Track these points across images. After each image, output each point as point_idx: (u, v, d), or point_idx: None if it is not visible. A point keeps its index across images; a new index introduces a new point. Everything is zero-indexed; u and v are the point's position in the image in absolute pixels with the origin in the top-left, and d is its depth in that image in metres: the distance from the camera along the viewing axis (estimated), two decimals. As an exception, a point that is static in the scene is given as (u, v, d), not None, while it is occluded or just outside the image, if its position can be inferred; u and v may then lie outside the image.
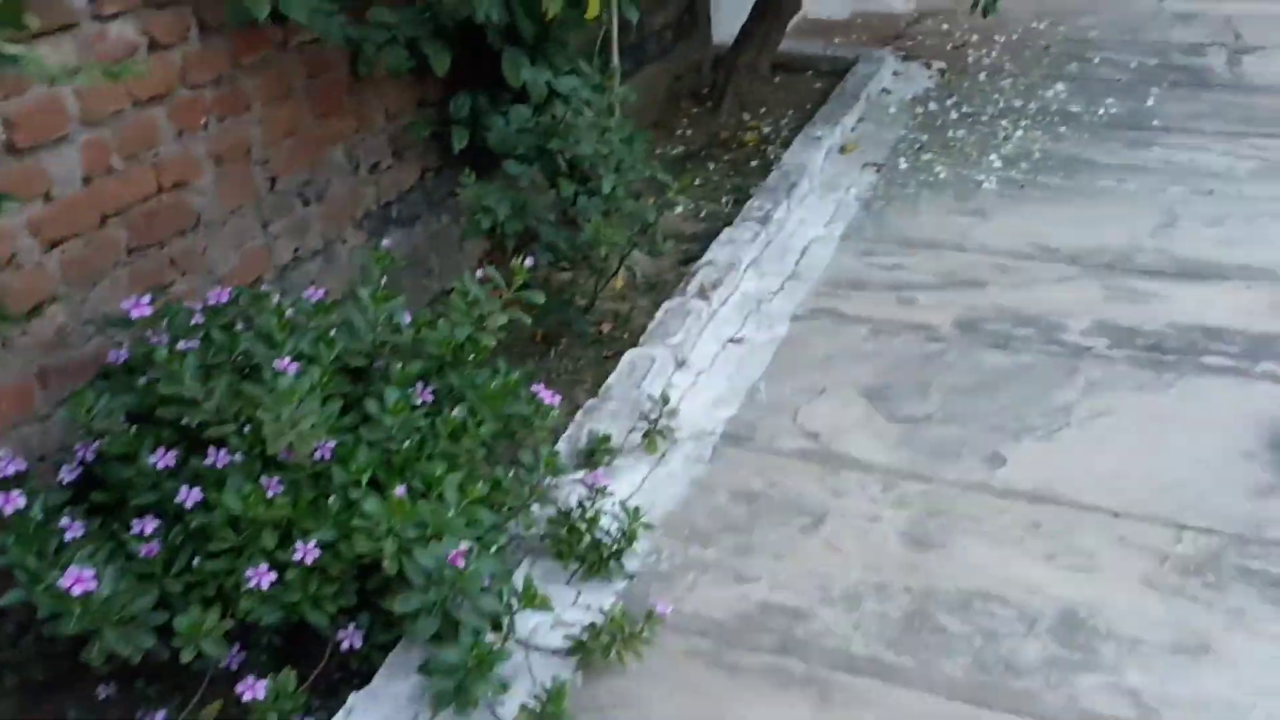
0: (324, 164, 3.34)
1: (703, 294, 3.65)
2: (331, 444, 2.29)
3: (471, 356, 2.45)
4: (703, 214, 4.65)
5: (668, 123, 5.63)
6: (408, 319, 2.65)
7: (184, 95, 2.81)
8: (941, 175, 4.81)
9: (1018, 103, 5.64)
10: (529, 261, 2.67)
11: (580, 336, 3.67)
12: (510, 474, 2.51)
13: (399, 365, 2.43)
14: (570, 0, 3.65)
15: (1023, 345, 3.46)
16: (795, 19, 6.77)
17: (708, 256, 3.92)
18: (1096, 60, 6.17)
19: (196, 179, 2.87)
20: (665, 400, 2.97)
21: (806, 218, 4.40)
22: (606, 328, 3.78)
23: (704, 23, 6.23)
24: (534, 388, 2.65)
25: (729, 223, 4.36)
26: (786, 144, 5.17)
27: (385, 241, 3.65)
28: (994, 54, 6.43)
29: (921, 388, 3.26)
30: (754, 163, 5.13)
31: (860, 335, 3.55)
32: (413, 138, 3.67)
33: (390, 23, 3.15)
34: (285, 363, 2.31)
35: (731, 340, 3.53)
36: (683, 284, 3.76)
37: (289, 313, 2.50)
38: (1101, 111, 5.43)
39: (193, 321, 2.54)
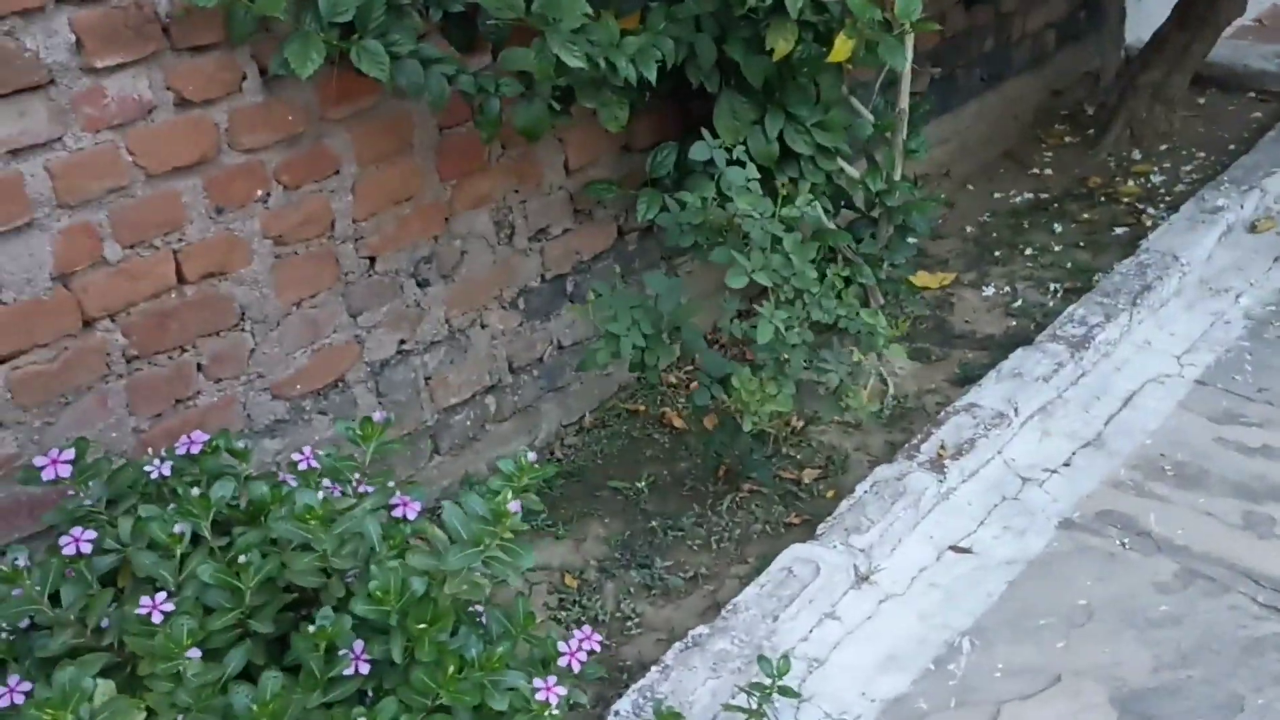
0: (455, 235, 2.65)
1: (937, 463, 2.59)
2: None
3: (425, 621, 1.66)
4: (1016, 304, 3.47)
5: (1024, 154, 4.38)
6: (415, 511, 1.92)
7: (231, 162, 2.21)
8: (1398, 290, 3.28)
9: None
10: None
11: (766, 485, 2.75)
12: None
13: (326, 616, 1.69)
14: (817, 34, 2.67)
15: None
16: (1253, 14, 5.14)
17: (969, 397, 2.82)
18: None
19: (242, 266, 2.28)
20: (783, 671, 2.00)
21: (1153, 339, 3.11)
22: (810, 476, 2.82)
23: (1114, 20, 4.81)
24: (564, 654, 1.82)
25: (1045, 327, 3.19)
26: (1178, 205, 3.79)
27: (546, 325, 2.92)
28: None
29: (1227, 710, 2.05)
30: (1120, 229, 3.81)
31: (1157, 579, 2.34)
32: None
33: (530, 70, 2.36)
34: (158, 600, 1.66)
35: (954, 548, 2.46)
36: (917, 439, 2.70)
37: (244, 496, 1.85)
38: None
39: (151, 476, 1.95)
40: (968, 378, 3.09)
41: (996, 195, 4.14)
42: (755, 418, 2.24)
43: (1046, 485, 2.61)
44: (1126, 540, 2.44)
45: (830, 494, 2.74)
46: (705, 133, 2.41)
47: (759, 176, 2.30)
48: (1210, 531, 2.45)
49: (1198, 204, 3.62)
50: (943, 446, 2.62)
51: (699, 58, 2.56)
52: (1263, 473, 2.61)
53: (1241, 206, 3.59)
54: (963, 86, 4.12)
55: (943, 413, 2.78)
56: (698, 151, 2.38)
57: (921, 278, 3.61)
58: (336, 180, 2.40)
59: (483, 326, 2.80)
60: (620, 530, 2.71)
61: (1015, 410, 2.76)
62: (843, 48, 2.59)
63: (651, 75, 2.29)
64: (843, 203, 3.14)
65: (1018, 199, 4.10)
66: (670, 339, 2.39)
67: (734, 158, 2.38)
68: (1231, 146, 4.25)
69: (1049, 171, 4.25)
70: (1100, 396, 2.90)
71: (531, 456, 1.97)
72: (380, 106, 2.41)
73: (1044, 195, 4.09)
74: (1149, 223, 3.78)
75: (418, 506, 1.94)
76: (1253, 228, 3.63)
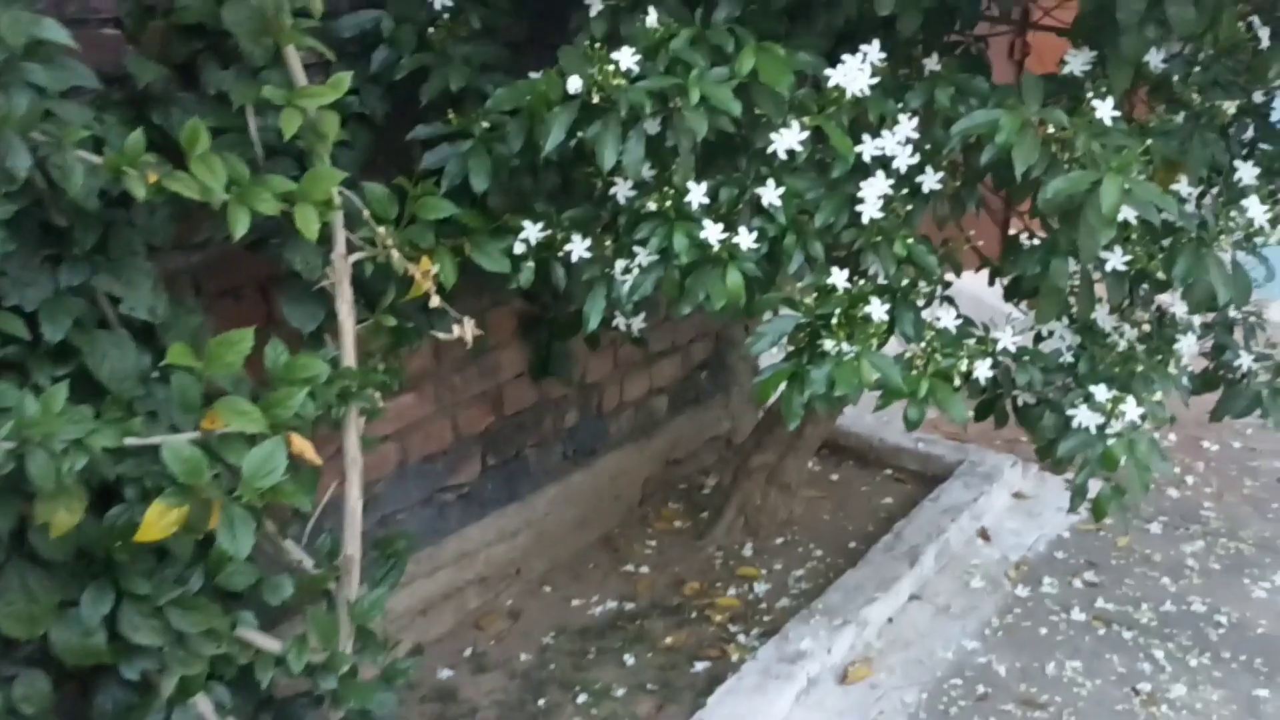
0: None
1: None
2: None
3: None
4: (537, 791, 2.65)
5: (626, 542, 3.69)
6: None
7: None
8: (995, 786, 2.62)
9: (1201, 603, 3.35)
10: None
11: None
12: None
13: None
14: (145, 492, 1.88)
15: None
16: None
17: None
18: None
19: None
20: None
21: None
22: None
23: (745, 378, 4.28)
24: None
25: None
26: (776, 628, 3.11)
27: None
28: (1193, 480, 4.14)
29: None
30: (702, 664, 3.09)
31: None
32: None
33: None
34: None
35: None
36: None
37: None
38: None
39: None
40: None
41: (576, 602, 3.39)
42: None
43: None
44: None
45: None
46: None
47: None
48: None
49: (778, 646, 2.94)
50: None
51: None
52: None
53: (829, 650, 2.93)
54: (537, 469, 3.43)
55: None
56: None
57: (428, 745, 2.78)
58: None
59: None
60: None
61: None
62: (160, 521, 1.80)
63: None
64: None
65: (599, 609, 3.36)
66: None
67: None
68: (852, 544, 3.67)
69: (645, 569, 3.55)
70: None
71: None
72: None
73: (630, 606, 3.37)
74: (735, 656, 3.08)
75: None
76: (844, 676, 2.96)
